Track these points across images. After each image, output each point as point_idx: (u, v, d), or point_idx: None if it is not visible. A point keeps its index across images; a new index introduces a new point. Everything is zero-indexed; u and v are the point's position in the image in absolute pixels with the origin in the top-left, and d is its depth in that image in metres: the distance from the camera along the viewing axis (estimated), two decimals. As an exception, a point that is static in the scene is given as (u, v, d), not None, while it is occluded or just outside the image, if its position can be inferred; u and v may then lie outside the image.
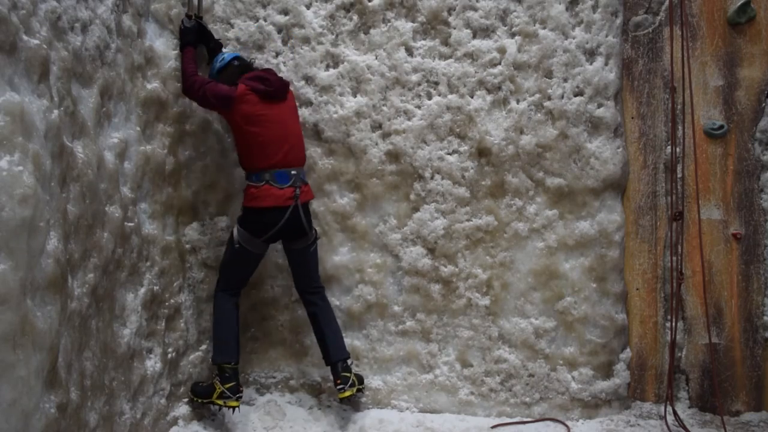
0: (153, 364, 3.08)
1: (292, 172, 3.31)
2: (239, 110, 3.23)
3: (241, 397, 3.30)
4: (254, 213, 3.27)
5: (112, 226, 2.70)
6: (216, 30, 3.71)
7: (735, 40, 3.64)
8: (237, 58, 3.47)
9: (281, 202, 3.26)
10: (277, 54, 3.76)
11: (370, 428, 3.41)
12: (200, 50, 3.58)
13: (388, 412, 3.59)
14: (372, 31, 3.70)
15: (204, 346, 3.61)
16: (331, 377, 3.45)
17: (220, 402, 3.24)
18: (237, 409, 3.32)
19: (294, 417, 3.50)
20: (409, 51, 3.69)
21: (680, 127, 3.67)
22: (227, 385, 3.23)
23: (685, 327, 3.67)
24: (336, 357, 3.42)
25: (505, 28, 3.64)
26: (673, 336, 3.62)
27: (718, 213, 3.65)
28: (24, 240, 1.84)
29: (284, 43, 3.75)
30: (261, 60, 3.74)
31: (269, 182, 3.25)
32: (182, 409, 3.34)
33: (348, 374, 3.38)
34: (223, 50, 3.60)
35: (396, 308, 3.71)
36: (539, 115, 3.62)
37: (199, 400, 3.34)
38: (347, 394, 3.34)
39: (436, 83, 3.67)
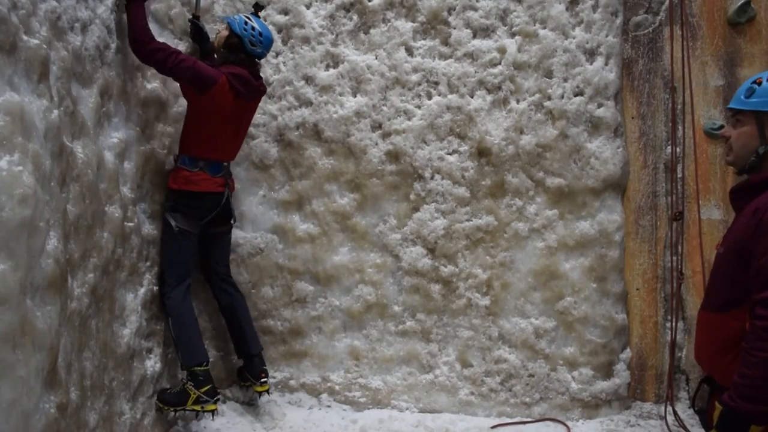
0: (153, 364, 3.08)
1: (224, 164, 3.32)
2: (212, 99, 3.10)
3: (219, 399, 3.16)
4: (191, 197, 3.20)
5: (112, 226, 2.70)
6: (216, 30, 3.70)
7: (735, 40, 3.64)
8: (261, 39, 3.23)
9: (216, 187, 3.26)
10: (277, 54, 3.76)
11: (370, 428, 3.41)
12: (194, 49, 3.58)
13: (388, 412, 3.59)
14: (372, 31, 3.70)
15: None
16: (249, 372, 3.45)
17: (197, 408, 3.07)
18: (215, 412, 3.17)
19: (294, 417, 3.50)
20: (409, 51, 3.69)
21: (680, 127, 3.67)
22: (203, 389, 3.06)
23: (686, 327, 3.67)
24: (256, 349, 3.47)
25: (505, 28, 3.64)
26: (673, 336, 3.62)
27: (718, 213, 3.65)
28: (24, 240, 1.83)
29: (284, 42, 3.75)
30: (260, 60, 3.73)
31: (203, 169, 3.22)
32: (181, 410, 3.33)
33: (266, 367, 3.48)
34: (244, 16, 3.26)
35: (396, 308, 3.71)
36: (539, 115, 3.61)
37: (171, 409, 3.07)
38: (267, 387, 3.43)
39: (436, 83, 3.67)
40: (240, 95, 3.18)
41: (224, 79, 3.11)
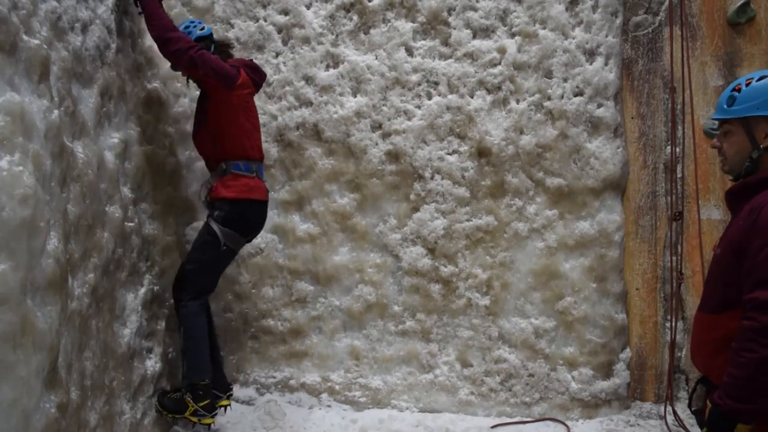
0: (153, 364, 3.08)
1: (262, 167, 3.24)
2: (240, 94, 3.03)
3: (216, 413, 3.07)
4: (250, 208, 3.05)
5: (113, 226, 2.71)
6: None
7: (735, 40, 3.64)
8: (211, 35, 3.25)
9: (266, 195, 3.17)
10: (277, 54, 3.76)
11: (370, 428, 3.41)
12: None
13: (388, 412, 3.59)
14: (372, 31, 3.70)
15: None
16: (216, 387, 3.22)
17: (194, 419, 2.99)
18: (212, 425, 3.12)
19: (294, 417, 3.50)
20: (409, 51, 3.69)
21: (680, 127, 3.67)
22: (202, 404, 2.96)
23: (685, 327, 3.67)
24: (221, 364, 3.35)
25: (505, 28, 3.64)
26: (673, 336, 3.62)
27: (718, 213, 3.65)
28: (24, 240, 1.83)
29: (284, 43, 3.76)
30: (261, 60, 3.74)
31: (257, 174, 3.11)
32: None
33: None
34: (192, 19, 3.30)
35: (396, 308, 3.71)
36: (539, 115, 3.62)
37: (169, 415, 3.01)
38: (230, 402, 3.29)
39: (436, 83, 3.67)
40: (256, 85, 3.20)
41: (243, 71, 3.08)
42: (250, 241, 3.32)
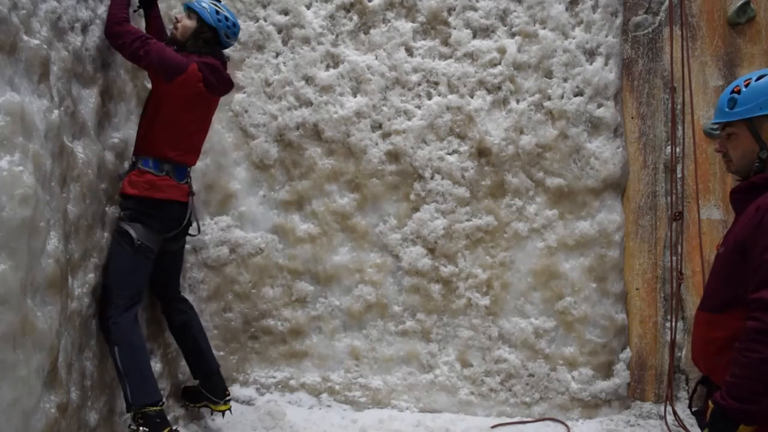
0: (153, 364, 3.07)
1: (188, 170, 3.04)
2: (181, 89, 2.80)
3: None
4: (154, 206, 2.83)
5: (113, 226, 2.71)
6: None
7: (735, 40, 3.64)
8: (235, 31, 3.06)
9: (182, 196, 2.94)
10: (277, 54, 3.76)
11: (370, 428, 3.41)
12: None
13: (388, 412, 3.59)
14: (372, 31, 3.70)
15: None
16: (209, 391, 3.16)
17: None
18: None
19: (294, 417, 3.50)
20: (409, 51, 3.69)
21: (680, 127, 3.67)
22: None
23: (685, 327, 3.67)
24: (216, 366, 3.20)
25: (505, 28, 3.64)
26: (673, 336, 3.62)
27: (718, 213, 3.65)
28: (24, 240, 1.84)
29: (284, 43, 3.76)
30: (261, 60, 3.74)
31: (169, 174, 2.88)
32: (182, 409, 3.34)
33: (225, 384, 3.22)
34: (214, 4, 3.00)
35: (396, 308, 3.71)
36: (539, 115, 3.62)
37: None
38: (230, 405, 3.21)
39: (436, 83, 3.67)
40: (210, 87, 2.91)
41: (194, 66, 2.83)
42: (172, 242, 3.06)
